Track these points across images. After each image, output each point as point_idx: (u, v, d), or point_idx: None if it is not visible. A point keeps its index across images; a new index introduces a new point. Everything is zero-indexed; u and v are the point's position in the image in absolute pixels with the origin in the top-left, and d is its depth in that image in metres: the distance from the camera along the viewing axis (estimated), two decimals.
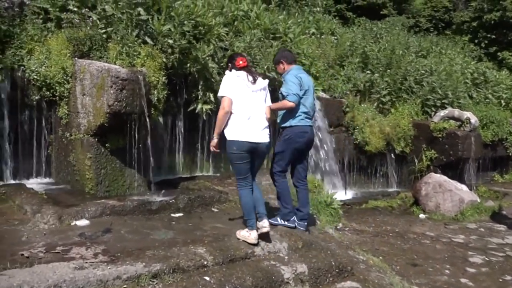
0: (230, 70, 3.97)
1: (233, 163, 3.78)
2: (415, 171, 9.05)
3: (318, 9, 12.70)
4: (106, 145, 5.06)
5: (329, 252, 3.78)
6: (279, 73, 5.13)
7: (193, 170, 7.35)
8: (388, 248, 5.04)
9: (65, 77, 5.28)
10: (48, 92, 5.41)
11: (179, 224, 4.08)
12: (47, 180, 5.66)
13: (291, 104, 4.18)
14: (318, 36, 10.85)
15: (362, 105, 9.31)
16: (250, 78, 3.85)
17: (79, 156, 5.17)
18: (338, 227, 5.79)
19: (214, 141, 3.85)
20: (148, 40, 5.74)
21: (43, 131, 5.67)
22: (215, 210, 4.64)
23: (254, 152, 3.76)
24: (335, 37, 11.22)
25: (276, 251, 3.56)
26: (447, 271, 4.48)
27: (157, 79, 5.18)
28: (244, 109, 3.74)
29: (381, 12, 19.06)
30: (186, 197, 4.58)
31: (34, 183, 5.41)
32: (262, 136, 3.80)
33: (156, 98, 5.14)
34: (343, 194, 8.45)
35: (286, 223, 4.16)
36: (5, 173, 5.36)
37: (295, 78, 4.30)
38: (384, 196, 8.50)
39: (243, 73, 3.86)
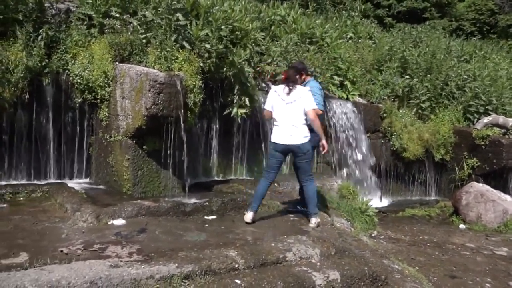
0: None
1: (269, 158, 4.59)
2: (456, 179, 8.72)
3: (356, 13, 12.52)
4: (143, 147, 5.19)
5: (362, 260, 3.71)
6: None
7: (227, 173, 7.41)
8: (425, 258, 4.88)
9: (106, 81, 5.47)
10: (90, 95, 5.62)
11: (212, 226, 4.11)
12: (87, 180, 5.86)
13: (321, 112, 4.72)
14: (355, 40, 10.72)
15: (400, 111, 9.10)
16: (286, 90, 4.53)
17: (118, 157, 5.33)
18: (372, 235, 5.67)
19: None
20: (186, 45, 5.85)
21: (85, 133, 5.89)
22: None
23: (286, 152, 4.50)
24: (373, 42, 11.04)
25: (308, 257, 3.52)
26: (488, 284, 4.29)
27: (194, 83, 5.26)
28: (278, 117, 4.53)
29: (423, 16, 18.60)
30: (219, 200, 4.62)
31: (75, 183, 5.62)
32: (291, 139, 4.43)
33: (192, 102, 5.22)
34: (378, 201, 8.28)
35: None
36: (49, 172, 5.59)
37: (321, 91, 4.99)
38: (422, 205, 8.27)
39: (280, 87, 4.61)
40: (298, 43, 8.58)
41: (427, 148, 8.82)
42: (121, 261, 3.03)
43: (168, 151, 5.05)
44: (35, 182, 5.40)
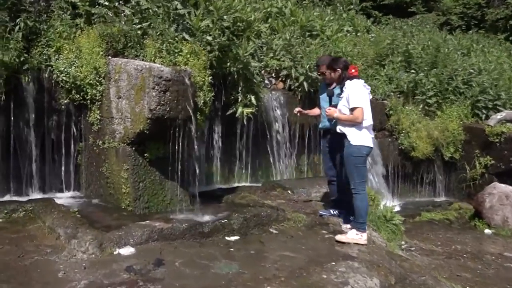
0: (341, 77, 4.23)
1: (358, 167, 4.00)
2: (467, 179, 8.27)
3: (352, 6, 11.98)
4: (145, 154, 4.45)
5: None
6: (324, 77, 4.70)
7: (229, 180, 6.73)
8: (471, 275, 4.33)
9: (97, 78, 4.69)
10: (78, 95, 4.83)
11: (239, 251, 3.43)
12: (76, 193, 5.07)
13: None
14: (353, 34, 10.18)
15: (406, 107, 8.59)
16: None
17: (113, 167, 4.57)
18: (402, 247, 5.10)
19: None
20: (186, 36, 5.13)
21: (72, 139, 5.10)
22: (274, 231, 3.98)
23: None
24: (372, 35, 10.52)
25: None
26: None
27: (203, 79, 4.55)
28: (369, 117, 4.07)
29: (409, 10, 18.27)
30: (240, 217, 3.91)
31: (63, 197, 4.85)
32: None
33: (202, 101, 4.51)
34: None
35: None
36: (32, 186, 4.79)
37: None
38: (435, 207, 7.77)
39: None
40: (299, 36, 7.95)
41: (436, 147, 8.35)
42: None
43: (175, 159, 4.33)
44: (15, 198, 4.59)
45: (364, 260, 3.28)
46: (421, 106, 8.75)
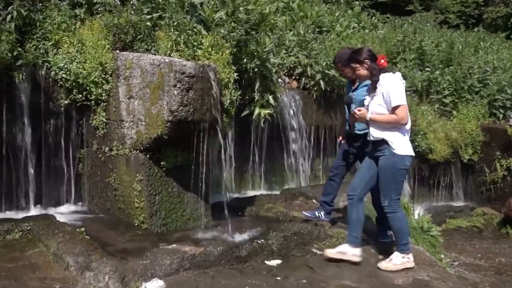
0: (369, 69, 3.46)
1: (398, 181, 3.40)
2: (487, 182, 7.87)
3: (358, 2, 11.56)
4: (161, 163, 3.85)
5: None
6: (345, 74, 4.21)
7: (242, 188, 6.16)
8: None
9: (103, 75, 4.08)
10: (80, 95, 4.20)
11: (287, 280, 2.87)
12: (78, 207, 4.45)
13: None
14: (359, 30, 9.72)
15: (422, 107, 8.16)
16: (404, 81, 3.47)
17: (124, 177, 3.97)
18: (444, 261, 4.61)
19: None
20: (202, 29, 4.57)
21: (72, 145, 4.48)
22: (317, 251, 3.43)
23: None
24: (380, 32, 10.08)
25: None
26: None
27: (228, 76, 3.98)
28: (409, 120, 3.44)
29: (406, 8, 17.99)
30: (279, 236, 3.34)
31: (63, 212, 4.22)
32: None
33: (228, 101, 3.94)
34: None
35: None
36: (28, 200, 4.15)
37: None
38: (457, 212, 7.36)
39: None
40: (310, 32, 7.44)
41: (454, 149, 7.92)
42: None
43: (198, 167, 3.74)
44: (8, 215, 3.95)
45: None
46: (436, 105, 8.35)
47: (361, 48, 3.65)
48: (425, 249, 4.52)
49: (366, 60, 3.45)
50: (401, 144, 3.36)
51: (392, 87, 3.35)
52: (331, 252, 3.35)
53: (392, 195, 3.35)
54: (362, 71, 3.51)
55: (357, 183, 3.49)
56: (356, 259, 3.31)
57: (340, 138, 4.42)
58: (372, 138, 3.47)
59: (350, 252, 3.31)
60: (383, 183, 3.38)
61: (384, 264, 3.35)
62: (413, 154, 3.45)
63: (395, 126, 3.36)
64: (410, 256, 3.43)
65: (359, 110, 3.53)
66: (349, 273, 3.05)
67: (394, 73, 3.51)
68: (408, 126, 3.43)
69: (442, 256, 4.82)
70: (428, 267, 3.23)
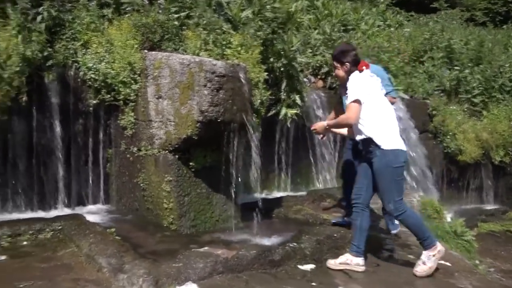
0: (347, 72, 3.30)
1: (397, 180, 3.19)
2: None
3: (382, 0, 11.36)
4: (190, 163, 3.81)
5: None
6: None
7: (267, 188, 6.08)
8: None
9: (132, 75, 4.07)
10: (109, 95, 4.20)
11: (322, 286, 2.77)
12: (106, 207, 4.45)
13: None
14: (386, 29, 9.54)
15: (451, 107, 7.94)
16: None
17: (152, 177, 3.94)
18: (480, 267, 4.43)
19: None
20: (229, 28, 4.51)
21: (100, 145, 4.48)
22: None
23: None
24: (406, 30, 9.87)
25: None
26: None
27: (258, 75, 3.92)
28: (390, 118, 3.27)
29: (431, 6, 17.62)
30: (313, 240, 3.26)
31: (91, 212, 4.22)
32: None
33: (258, 101, 3.87)
34: None
35: None
36: (58, 199, 4.17)
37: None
38: (488, 216, 7.10)
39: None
40: (335, 30, 7.32)
41: (485, 150, 7.69)
42: None
43: (229, 168, 3.69)
44: (40, 214, 3.97)
45: None
46: (465, 105, 8.12)
47: (348, 50, 3.39)
48: (459, 254, 4.39)
49: (347, 63, 3.30)
50: (386, 138, 3.16)
51: (351, 85, 3.19)
52: (334, 264, 3.19)
53: (395, 197, 3.16)
54: (341, 72, 3.36)
55: (358, 191, 3.33)
56: (359, 268, 3.15)
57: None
58: (357, 139, 3.29)
59: (353, 261, 3.18)
60: (382, 187, 3.18)
61: (420, 271, 3.15)
62: (404, 148, 3.22)
63: (373, 122, 3.15)
64: (438, 246, 3.23)
65: (315, 125, 3.48)
66: (386, 280, 2.93)
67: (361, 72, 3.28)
68: (390, 120, 3.22)
69: (477, 262, 4.65)
70: (469, 275, 3.08)
